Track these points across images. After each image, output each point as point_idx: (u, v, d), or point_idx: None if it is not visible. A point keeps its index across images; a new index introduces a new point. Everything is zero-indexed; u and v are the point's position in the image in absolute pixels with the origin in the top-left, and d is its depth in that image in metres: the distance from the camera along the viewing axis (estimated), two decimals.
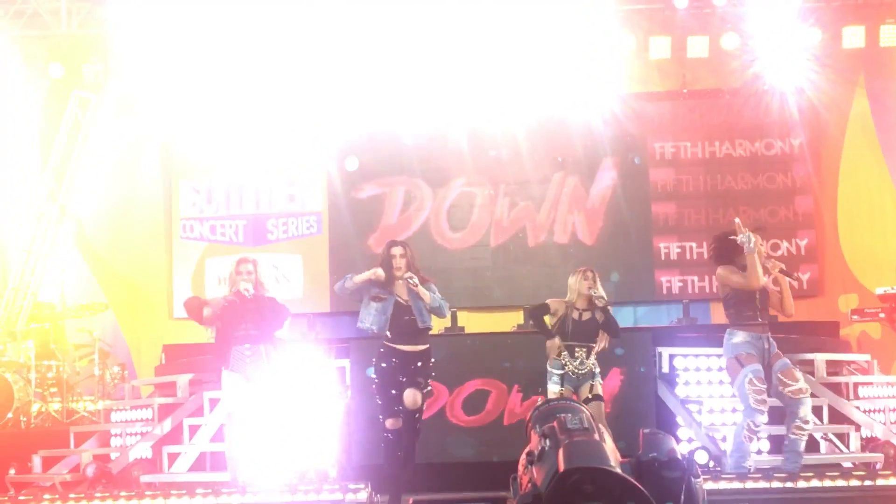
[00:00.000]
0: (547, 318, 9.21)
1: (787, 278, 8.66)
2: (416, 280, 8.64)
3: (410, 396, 8.56)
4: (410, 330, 8.73)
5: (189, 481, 9.69)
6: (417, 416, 8.70)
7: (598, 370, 9.10)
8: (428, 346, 8.81)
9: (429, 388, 8.76)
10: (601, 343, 9.13)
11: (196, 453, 10.37)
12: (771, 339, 8.57)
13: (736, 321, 8.58)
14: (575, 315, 9.07)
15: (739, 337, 8.51)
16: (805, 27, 14.22)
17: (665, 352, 10.77)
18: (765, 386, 8.36)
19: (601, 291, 9.04)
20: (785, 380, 8.40)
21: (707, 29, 14.54)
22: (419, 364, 8.70)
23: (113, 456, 10.58)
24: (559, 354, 9.02)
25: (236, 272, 8.84)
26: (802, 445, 8.50)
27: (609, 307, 9.13)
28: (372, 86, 14.56)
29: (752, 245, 8.27)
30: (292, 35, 14.04)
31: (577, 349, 8.99)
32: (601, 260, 14.70)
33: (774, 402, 8.62)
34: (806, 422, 8.43)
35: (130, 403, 11.61)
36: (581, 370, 8.96)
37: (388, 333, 8.74)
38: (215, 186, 15.55)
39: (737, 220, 8.60)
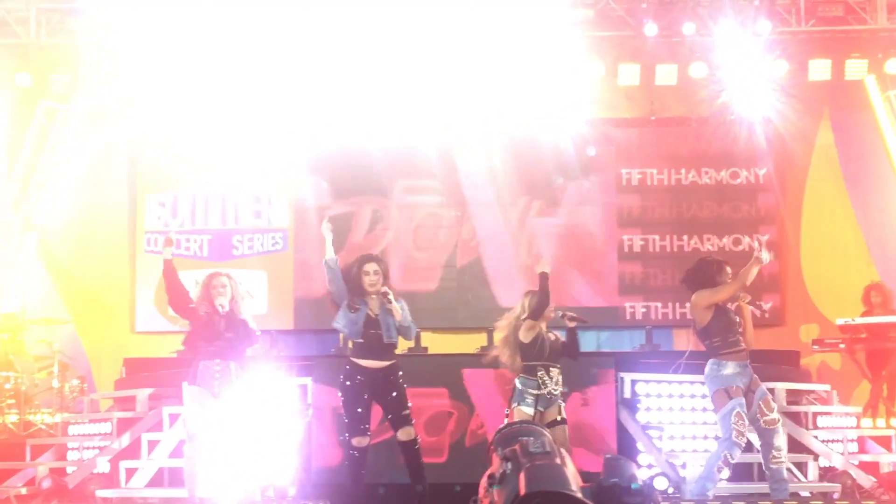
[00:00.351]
0: (523, 333, 8.93)
1: (751, 307, 8.73)
2: (391, 296, 8.65)
3: (404, 434, 8.69)
4: (375, 345, 8.70)
5: (146, 497, 9.62)
6: (416, 447, 8.81)
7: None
8: (394, 361, 8.79)
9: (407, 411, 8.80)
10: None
11: (154, 469, 10.28)
12: (750, 368, 8.60)
13: (722, 349, 8.50)
14: (550, 336, 8.95)
15: (730, 368, 8.44)
16: (772, 59, 14.36)
17: (627, 377, 10.78)
18: (747, 421, 8.40)
19: (571, 312, 9.00)
20: (764, 409, 8.45)
21: (675, 57, 14.65)
22: (387, 380, 8.69)
23: (69, 469, 10.45)
24: (534, 374, 8.76)
25: (210, 286, 8.72)
26: (784, 472, 8.57)
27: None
28: (341, 103, 14.56)
29: (764, 260, 8.48)
30: (262, 51, 13.98)
31: (552, 369, 8.81)
32: (565, 284, 14.79)
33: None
34: (780, 450, 8.47)
35: (89, 417, 11.52)
36: (556, 391, 8.85)
37: (350, 347, 8.79)
38: (181, 200, 15.48)
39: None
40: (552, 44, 14.21)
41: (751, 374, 8.56)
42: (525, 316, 8.87)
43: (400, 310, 8.72)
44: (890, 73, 14.57)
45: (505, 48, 14.16)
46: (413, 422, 8.77)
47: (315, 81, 14.28)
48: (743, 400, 8.40)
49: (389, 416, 8.80)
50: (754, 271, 8.48)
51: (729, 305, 8.60)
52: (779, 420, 8.55)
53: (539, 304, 8.79)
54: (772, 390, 10.79)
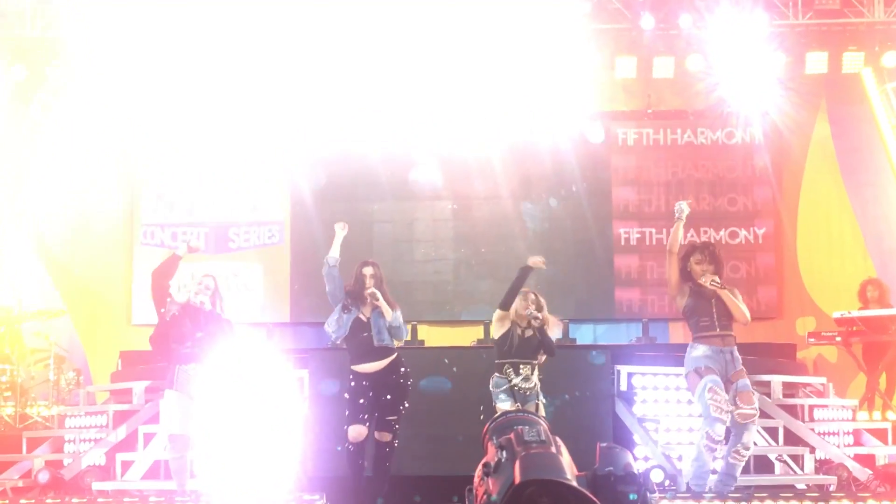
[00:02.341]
0: (494, 326, 9.19)
1: (715, 286, 8.44)
2: (378, 295, 8.79)
3: (379, 436, 8.82)
4: (365, 348, 8.84)
5: (142, 489, 9.61)
6: (394, 445, 8.93)
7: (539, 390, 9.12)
8: (392, 359, 8.90)
9: (394, 418, 8.88)
10: (541, 358, 9.16)
11: (150, 461, 10.27)
12: (735, 354, 8.47)
13: (695, 332, 8.53)
14: (518, 331, 9.07)
15: (699, 350, 8.44)
16: (769, 51, 14.35)
17: (623, 370, 10.80)
18: (726, 396, 8.28)
19: (536, 313, 9.02)
20: (739, 402, 8.32)
21: (672, 50, 14.63)
22: (385, 380, 8.82)
23: (66, 462, 10.47)
24: (502, 371, 9.00)
25: (196, 283, 8.81)
26: (739, 470, 8.47)
27: (548, 327, 9.11)
28: (338, 98, 14.60)
29: (680, 214, 8.43)
30: (261, 45, 13.99)
31: (521, 366, 8.97)
32: (562, 277, 14.79)
33: None
34: (747, 448, 8.39)
35: (85, 409, 11.51)
36: (527, 385, 8.93)
37: (348, 354, 8.95)
38: (178, 193, 15.45)
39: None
40: (549, 37, 14.22)
41: (728, 362, 8.41)
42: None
43: (389, 308, 8.86)
44: (887, 66, 14.55)
45: (502, 42, 14.18)
46: (395, 428, 8.90)
47: (312, 77, 14.29)
48: (715, 377, 8.28)
49: (376, 415, 8.88)
50: (678, 233, 8.49)
51: (705, 289, 8.48)
52: (754, 416, 8.39)
53: (507, 295, 9.05)
54: (768, 383, 10.86)
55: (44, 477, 9.86)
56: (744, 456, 8.40)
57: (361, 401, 8.77)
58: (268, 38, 13.96)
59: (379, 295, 8.83)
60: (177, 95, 14.48)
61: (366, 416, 8.80)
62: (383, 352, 8.89)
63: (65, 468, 10.25)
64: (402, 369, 8.97)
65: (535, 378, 9.05)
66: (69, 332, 14.69)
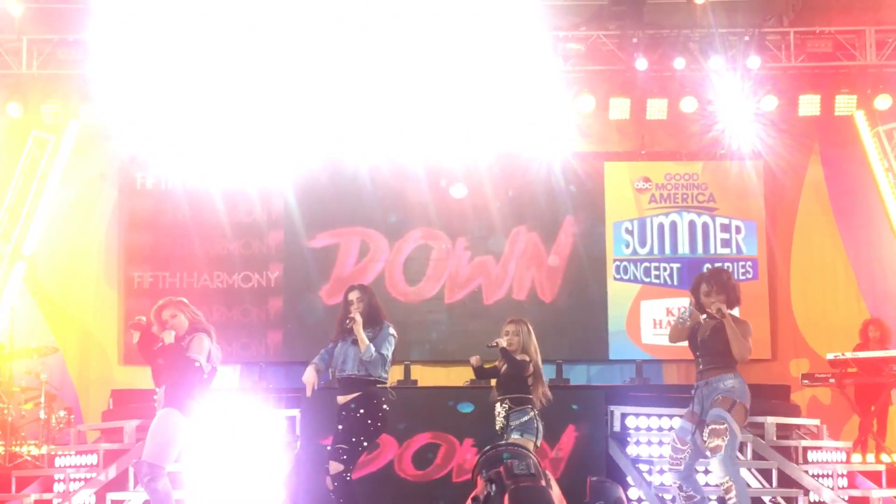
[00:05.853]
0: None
1: (712, 318, 7.96)
2: (356, 321, 8.36)
3: (331, 467, 8.32)
4: (339, 380, 8.56)
5: None
6: (346, 477, 8.31)
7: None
8: (356, 395, 8.41)
9: (343, 447, 8.32)
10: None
11: (141, 501, 10.18)
12: (714, 385, 7.81)
13: None
14: (500, 367, 9.21)
15: (692, 390, 8.03)
16: (762, 94, 14.46)
17: (617, 410, 10.76)
18: (683, 446, 7.84)
19: (503, 340, 9.09)
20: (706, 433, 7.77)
21: (666, 92, 14.71)
22: (342, 413, 8.42)
23: (55, 501, 10.39)
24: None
25: (159, 316, 8.36)
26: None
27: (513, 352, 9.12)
28: (329, 133, 14.58)
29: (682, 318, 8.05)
30: (251, 82, 14.01)
31: (497, 404, 9.12)
32: (557, 318, 14.79)
33: None
34: (722, 480, 7.61)
35: (76, 448, 11.43)
36: (501, 425, 8.99)
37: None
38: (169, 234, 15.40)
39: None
40: (544, 77, 14.29)
41: (704, 397, 7.83)
42: None
43: (364, 340, 8.38)
44: (879, 108, 14.65)
45: (496, 82, 14.23)
46: (344, 458, 8.27)
47: (303, 111, 14.29)
48: (683, 423, 7.91)
49: (328, 447, 8.54)
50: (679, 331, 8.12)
51: (702, 322, 8.04)
52: (717, 446, 7.61)
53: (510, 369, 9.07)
54: (762, 424, 10.81)
55: None
56: (725, 490, 7.66)
57: (333, 437, 8.48)
58: (254, 75, 13.96)
59: (357, 321, 8.36)
60: (170, 136, 14.47)
61: (339, 451, 8.32)
62: (354, 384, 8.41)
63: None
64: (363, 409, 8.37)
65: (503, 415, 9.00)
66: (61, 370, 14.63)
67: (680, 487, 7.91)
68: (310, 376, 8.52)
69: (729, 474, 7.63)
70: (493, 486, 3.89)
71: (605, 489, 4.04)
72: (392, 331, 8.60)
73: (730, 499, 7.68)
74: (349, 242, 15.35)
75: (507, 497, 3.71)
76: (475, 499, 3.98)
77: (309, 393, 8.57)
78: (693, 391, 7.99)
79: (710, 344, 7.93)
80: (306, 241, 15.23)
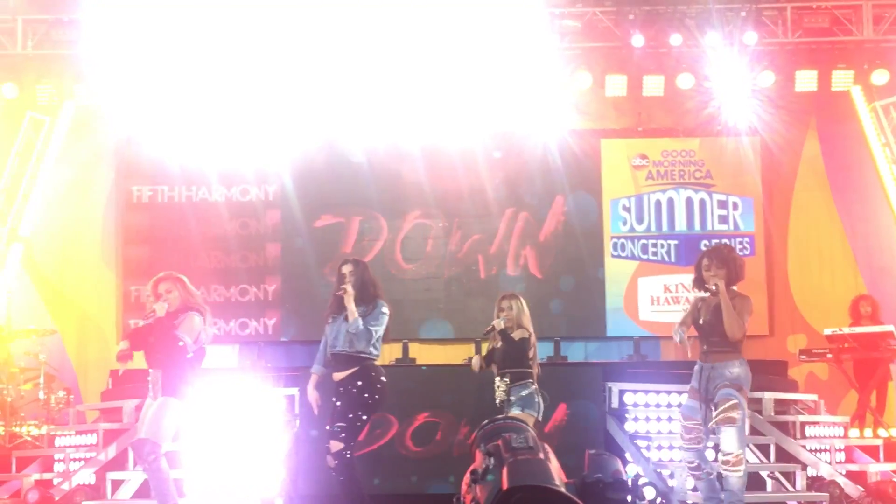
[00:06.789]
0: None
1: (705, 293, 7.98)
2: (348, 293, 8.30)
3: (331, 445, 8.33)
4: (332, 357, 8.53)
5: None
6: (346, 455, 8.32)
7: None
8: (352, 371, 8.38)
9: (342, 425, 8.30)
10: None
11: (140, 480, 10.21)
12: (718, 371, 7.85)
13: None
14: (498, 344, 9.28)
15: (696, 367, 8.10)
16: (759, 69, 14.44)
17: (615, 387, 10.77)
18: (693, 422, 7.93)
19: (499, 322, 9.16)
20: (713, 409, 7.86)
21: (663, 68, 14.68)
22: (338, 390, 8.41)
23: (55, 481, 10.41)
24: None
25: (155, 290, 8.33)
26: (733, 483, 7.77)
27: (512, 331, 9.18)
28: (328, 115, 14.62)
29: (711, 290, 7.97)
30: (248, 63, 14.05)
31: (496, 378, 9.19)
32: (552, 293, 14.81)
33: None
34: (728, 455, 7.72)
35: (75, 428, 11.46)
36: (501, 399, 9.07)
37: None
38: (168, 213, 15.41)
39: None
40: (540, 55, 14.27)
41: (708, 380, 7.86)
42: None
43: (354, 311, 8.32)
44: (876, 83, 14.64)
45: (492, 60, 14.24)
46: (343, 436, 8.26)
47: (303, 93, 14.30)
48: (690, 402, 7.97)
49: (327, 426, 8.52)
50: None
51: (702, 300, 8.06)
52: (728, 419, 7.71)
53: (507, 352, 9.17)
54: (760, 399, 10.84)
55: (33, 496, 9.83)
56: (730, 463, 7.74)
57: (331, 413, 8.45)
58: (256, 59, 14.03)
59: (349, 292, 8.29)
60: (168, 116, 14.48)
61: (338, 429, 8.31)
62: (348, 360, 8.37)
63: (54, 488, 10.19)
64: (360, 382, 8.34)
65: (503, 389, 9.10)
66: (59, 351, 14.63)
67: (698, 467, 7.95)
68: (312, 394, 8.60)
69: (742, 447, 7.68)
70: (492, 460, 3.90)
71: (604, 462, 4.06)
72: (385, 309, 8.52)
73: (736, 471, 7.74)
74: (348, 223, 15.34)
75: (505, 470, 3.72)
76: (474, 472, 4.00)
77: (316, 411, 8.62)
78: (695, 369, 8.03)
79: (714, 325, 7.91)
80: (305, 221, 15.23)
